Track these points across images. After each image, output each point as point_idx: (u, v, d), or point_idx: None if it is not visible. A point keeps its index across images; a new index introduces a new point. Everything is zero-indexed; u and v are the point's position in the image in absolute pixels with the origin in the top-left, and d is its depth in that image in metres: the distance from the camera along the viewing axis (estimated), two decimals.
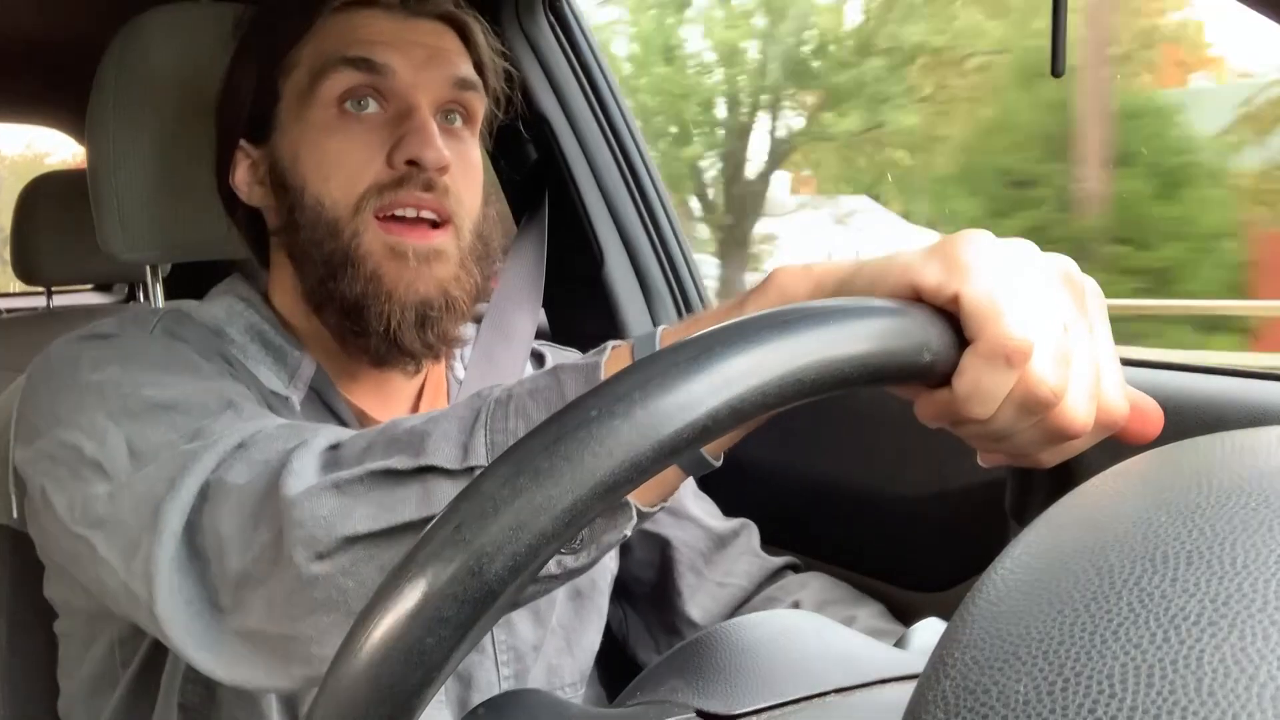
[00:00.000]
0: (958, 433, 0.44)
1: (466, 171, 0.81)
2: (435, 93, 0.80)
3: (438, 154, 0.76)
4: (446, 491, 0.53)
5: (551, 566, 0.51)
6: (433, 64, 0.80)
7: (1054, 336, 0.41)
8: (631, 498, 0.49)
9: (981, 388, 0.41)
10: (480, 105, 0.84)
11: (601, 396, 0.33)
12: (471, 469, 0.53)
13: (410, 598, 0.31)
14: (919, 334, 0.40)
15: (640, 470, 0.33)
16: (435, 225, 0.78)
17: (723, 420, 0.34)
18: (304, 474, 0.57)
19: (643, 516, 0.51)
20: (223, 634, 0.61)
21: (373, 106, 0.79)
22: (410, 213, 0.77)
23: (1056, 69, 0.63)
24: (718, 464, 0.50)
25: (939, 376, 0.41)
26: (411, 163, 0.76)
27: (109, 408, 0.68)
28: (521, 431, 0.53)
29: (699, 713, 0.48)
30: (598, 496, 0.32)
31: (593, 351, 0.55)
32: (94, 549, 0.65)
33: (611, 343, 0.54)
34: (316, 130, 0.79)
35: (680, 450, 0.33)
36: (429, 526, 0.32)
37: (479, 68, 0.84)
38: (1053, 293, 0.42)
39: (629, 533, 0.51)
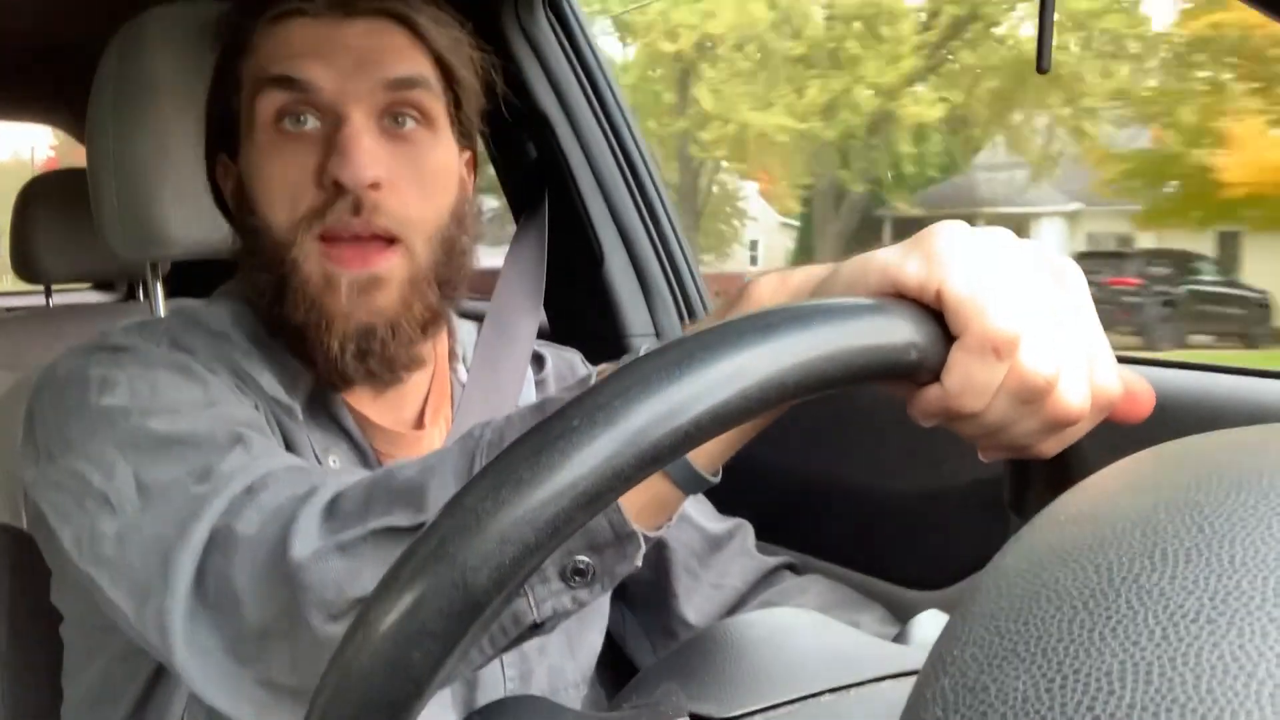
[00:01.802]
0: (954, 428, 0.44)
1: (417, 179, 0.75)
2: (369, 99, 0.74)
3: (357, 173, 0.71)
4: None
5: (566, 602, 0.51)
6: (362, 69, 0.74)
7: (1041, 323, 0.41)
8: (636, 524, 0.49)
9: (972, 382, 0.40)
10: (436, 102, 0.77)
11: (583, 405, 0.33)
12: None
13: (395, 613, 0.31)
14: (904, 332, 0.39)
15: (623, 479, 0.32)
16: (390, 242, 0.74)
17: (705, 426, 0.33)
18: (308, 534, 0.57)
19: (649, 542, 0.51)
20: (243, 682, 0.61)
21: (310, 122, 0.74)
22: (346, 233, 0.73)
23: (1042, 65, 0.63)
24: (715, 480, 0.50)
25: (928, 373, 0.41)
26: (337, 183, 0.72)
27: (117, 438, 0.67)
28: None
29: (693, 716, 0.48)
30: (581, 506, 0.32)
31: (578, 381, 0.55)
32: (100, 588, 0.65)
33: (597, 369, 0.54)
34: (259, 152, 0.76)
35: (663, 458, 0.33)
36: (413, 541, 0.32)
37: (439, 61, 0.78)
38: (1035, 279, 0.42)
39: (639, 562, 0.51)
